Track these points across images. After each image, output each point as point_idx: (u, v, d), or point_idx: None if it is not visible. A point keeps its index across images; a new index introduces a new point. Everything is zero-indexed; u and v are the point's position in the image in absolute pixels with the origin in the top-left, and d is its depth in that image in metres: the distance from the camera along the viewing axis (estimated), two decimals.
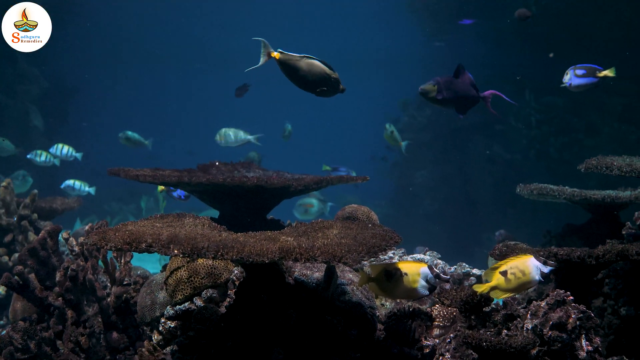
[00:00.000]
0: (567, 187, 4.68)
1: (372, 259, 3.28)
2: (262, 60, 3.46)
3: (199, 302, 3.37)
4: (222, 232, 2.91)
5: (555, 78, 5.34)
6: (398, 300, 3.65)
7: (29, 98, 15.85)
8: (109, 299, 3.98)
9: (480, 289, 2.89)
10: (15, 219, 5.77)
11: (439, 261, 4.18)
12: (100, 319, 3.98)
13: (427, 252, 4.35)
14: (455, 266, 4.27)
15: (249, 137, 7.83)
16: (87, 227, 4.42)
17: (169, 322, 3.45)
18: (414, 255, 4.22)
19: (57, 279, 3.98)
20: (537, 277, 2.86)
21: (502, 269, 2.85)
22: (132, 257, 4.14)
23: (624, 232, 3.88)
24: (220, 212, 4.42)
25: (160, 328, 3.49)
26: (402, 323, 3.11)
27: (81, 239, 4.11)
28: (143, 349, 3.37)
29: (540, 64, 11.16)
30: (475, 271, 4.13)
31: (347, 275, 3.35)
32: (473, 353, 2.76)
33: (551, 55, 9.89)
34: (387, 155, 13.85)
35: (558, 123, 11.64)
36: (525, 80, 11.93)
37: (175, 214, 3.21)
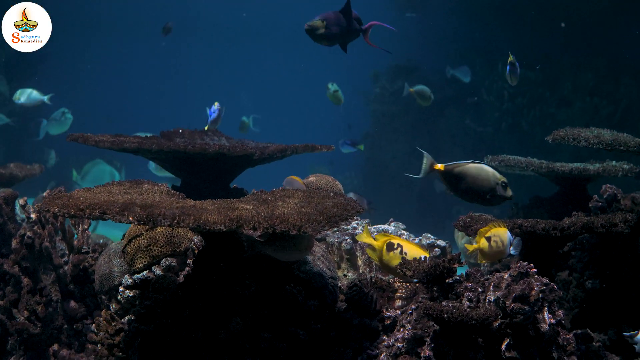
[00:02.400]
0: (535, 159, 4.69)
1: (333, 228, 3.26)
2: (423, 173, 3.43)
3: (157, 270, 3.34)
4: (180, 200, 2.87)
5: (529, 52, 5.37)
6: (361, 271, 3.64)
7: None
8: (66, 267, 3.93)
9: (470, 248, 2.97)
10: None
11: (404, 232, 4.16)
12: (57, 288, 3.93)
13: (392, 223, 4.33)
14: (420, 237, 4.26)
15: (44, 97, 7.92)
16: (45, 194, 4.36)
17: (127, 291, 3.41)
18: (378, 226, 4.20)
19: (12, 246, 3.92)
20: (511, 250, 2.92)
21: (488, 234, 2.90)
22: (90, 224, 4.09)
23: (590, 205, 3.88)
24: (182, 180, 4.38)
25: (119, 297, 3.46)
26: (363, 294, 3.10)
27: (36, 205, 4.05)
28: (100, 318, 3.33)
29: (513, 37, 11.16)
30: (440, 242, 4.11)
31: None
32: (434, 325, 2.75)
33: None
34: (351, 124, 13.85)
35: (530, 96, 11.65)
36: (497, 53, 11.95)
37: (132, 180, 3.16)
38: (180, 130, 4.70)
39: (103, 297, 3.79)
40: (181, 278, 3.26)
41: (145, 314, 2.99)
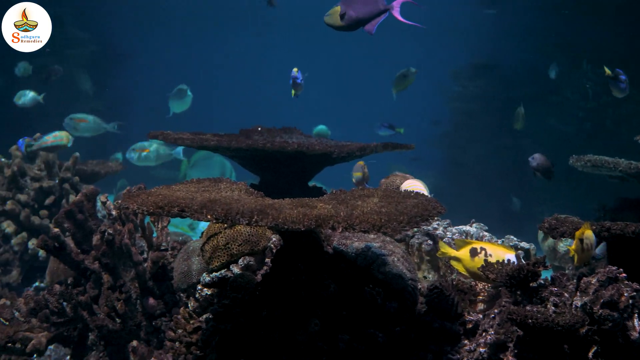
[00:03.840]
0: (622, 159, 4.53)
1: (414, 229, 3.21)
2: None
3: (235, 269, 3.34)
4: (259, 198, 2.86)
5: (614, 47, 5.19)
6: (441, 273, 3.57)
7: (78, 62, 15.98)
8: (145, 264, 3.97)
9: (572, 248, 2.89)
10: (57, 181, 5.82)
11: (485, 233, 4.08)
12: (136, 284, 3.98)
13: (474, 224, 4.25)
14: (502, 239, 4.17)
15: (38, 97, 8.63)
16: (125, 191, 4.42)
17: (205, 289, 3.43)
18: (459, 227, 4.12)
19: (93, 242, 4.00)
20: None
21: (580, 236, 2.83)
22: (169, 222, 4.12)
23: None
24: (261, 178, 4.38)
25: (197, 295, 3.48)
26: (444, 297, 3.04)
27: (117, 202, 4.11)
28: (179, 316, 3.36)
29: (599, 33, 10.86)
30: (524, 244, 4.01)
31: (389, 247, 3.28)
32: (518, 330, 2.67)
33: None
34: (437, 120, 13.71)
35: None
36: (581, 50, 11.64)
37: (211, 178, 3.17)
38: (259, 128, 4.71)
39: (181, 294, 3.83)
40: (259, 277, 3.25)
41: (223, 312, 3.00)
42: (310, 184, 4.52)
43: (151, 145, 7.69)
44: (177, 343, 3.30)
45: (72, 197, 5.76)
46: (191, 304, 3.51)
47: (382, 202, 2.72)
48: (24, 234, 5.62)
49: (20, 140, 7.38)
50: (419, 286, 3.31)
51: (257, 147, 3.77)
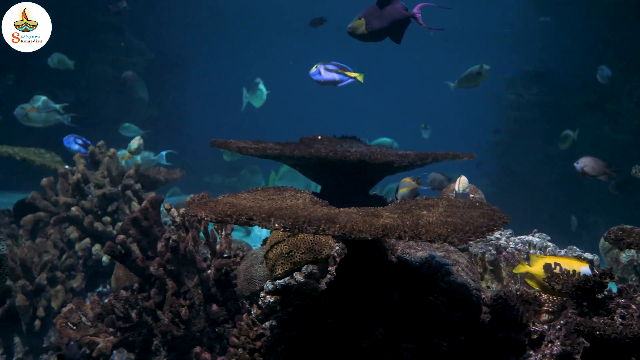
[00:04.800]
0: None
1: (479, 239, 3.22)
2: None
3: (299, 277, 3.39)
4: (324, 207, 2.90)
5: None
6: (505, 283, 3.58)
7: (135, 70, 16.26)
8: (209, 271, 4.05)
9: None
10: (120, 188, 5.96)
11: (549, 244, 4.06)
12: (200, 291, 4.06)
13: (536, 234, 4.23)
14: (565, 249, 4.14)
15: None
16: (189, 198, 4.51)
17: (268, 296, 3.48)
18: (522, 237, 4.11)
19: (158, 249, 4.08)
20: None
21: None
22: (232, 229, 4.20)
23: None
24: (322, 186, 4.43)
25: (260, 302, 3.53)
26: (509, 307, 3.04)
27: (182, 210, 4.19)
28: (242, 323, 3.42)
29: None
30: (587, 255, 3.98)
31: (453, 256, 3.30)
32: (585, 341, 2.66)
33: None
34: (498, 128, 13.62)
35: None
36: (639, 57, 11.44)
37: (276, 187, 3.22)
38: (319, 137, 4.76)
39: (244, 301, 3.90)
40: (322, 285, 3.30)
41: (288, 320, 3.05)
42: (371, 192, 4.55)
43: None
44: (240, 349, 3.36)
45: (135, 204, 5.90)
46: (254, 311, 3.57)
47: (448, 211, 2.74)
48: (88, 239, 5.76)
49: (65, 138, 7.56)
50: (483, 296, 3.32)
51: (320, 155, 3.81)
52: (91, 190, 5.94)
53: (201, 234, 4.22)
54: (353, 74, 5.13)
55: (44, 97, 7.97)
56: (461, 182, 4.16)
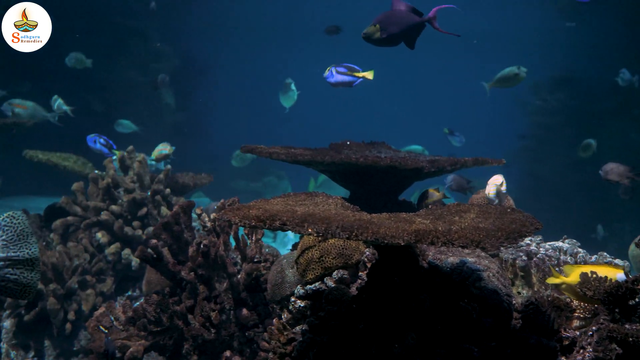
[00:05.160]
0: None
1: (512, 244, 3.22)
2: None
3: (329, 282, 3.41)
4: (356, 212, 2.93)
5: None
6: (535, 289, 3.58)
7: (162, 75, 16.39)
8: (239, 276, 4.09)
9: None
10: (149, 193, 6.02)
11: (580, 250, 4.05)
12: (230, 295, 4.10)
13: (566, 240, 4.23)
14: (595, 256, 4.13)
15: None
16: (219, 204, 4.55)
17: (299, 301, 3.51)
18: (552, 243, 4.11)
19: (189, 253, 4.13)
20: None
21: None
22: (263, 234, 4.24)
23: None
24: (351, 192, 4.45)
25: (290, 307, 3.56)
26: (540, 312, 3.05)
27: (213, 215, 4.24)
28: (272, 327, 3.45)
29: None
30: (618, 262, 3.97)
31: (484, 262, 3.31)
32: (617, 348, 2.67)
33: None
34: (524, 134, 13.59)
35: None
36: None
37: (307, 192, 3.25)
38: (348, 142, 4.78)
39: (275, 306, 3.93)
40: (353, 290, 3.32)
41: (319, 325, 3.07)
42: (400, 198, 4.57)
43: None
44: (270, 354, 3.39)
45: (164, 209, 5.96)
46: (284, 315, 3.60)
47: (480, 217, 2.76)
48: (118, 244, 5.83)
49: (89, 136, 7.64)
50: (514, 302, 3.32)
51: (350, 161, 3.84)
52: (121, 195, 6.02)
53: (231, 239, 4.26)
54: (362, 74, 5.23)
55: (33, 103, 8.08)
56: (492, 184, 4.18)
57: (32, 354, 5.49)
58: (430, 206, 3.94)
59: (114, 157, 6.43)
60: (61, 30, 11.73)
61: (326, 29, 9.39)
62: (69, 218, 6.04)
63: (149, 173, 6.27)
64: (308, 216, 2.55)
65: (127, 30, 15.62)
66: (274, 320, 3.54)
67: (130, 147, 6.44)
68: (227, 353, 3.94)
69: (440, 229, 2.46)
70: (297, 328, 3.45)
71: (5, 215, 3.27)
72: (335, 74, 5.52)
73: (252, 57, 27.44)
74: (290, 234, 10.30)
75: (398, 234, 2.39)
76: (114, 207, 5.88)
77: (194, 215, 4.77)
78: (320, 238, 3.51)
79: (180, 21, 17.25)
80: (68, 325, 5.42)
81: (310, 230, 2.47)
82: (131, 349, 3.98)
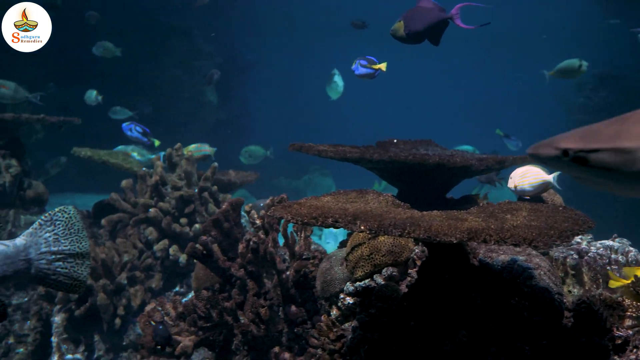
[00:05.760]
0: None
1: (564, 243, 3.22)
2: None
3: (379, 279, 3.44)
4: (407, 210, 2.95)
5: None
6: (587, 288, 3.57)
7: (204, 73, 16.54)
8: (288, 273, 4.14)
9: None
10: (196, 190, 6.10)
11: (631, 249, 4.03)
12: (279, 292, 4.15)
13: (617, 239, 4.20)
14: None
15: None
16: (267, 201, 4.60)
17: (348, 298, 3.55)
18: (603, 242, 4.08)
19: (239, 250, 4.19)
20: None
21: None
22: (311, 232, 4.28)
23: None
24: (399, 189, 4.47)
25: (339, 304, 3.60)
26: (592, 311, 3.05)
27: (262, 212, 4.29)
28: (321, 324, 3.49)
29: None
30: None
31: (534, 260, 3.31)
32: None
33: None
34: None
35: None
36: None
37: (357, 190, 3.28)
38: (395, 140, 4.80)
39: (323, 302, 3.96)
40: (402, 287, 3.35)
41: (370, 322, 3.11)
42: (447, 196, 4.58)
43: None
44: (319, 350, 3.44)
45: (211, 206, 6.04)
46: (333, 312, 3.64)
47: (532, 215, 2.77)
48: (166, 240, 5.92)
49: (125, 124, 7.75)
50: (564, 300, 3.32)
51: (399, 159, 3.86)
52: (169, 192, 6.11)
53: (280, 236, 4.31)
54: (377, 65, 5.36)
55: (14, 84, 8.17)
56: (518, 177, 4.17)
57: (82, 348, 5.61)
58: (481, 204, 3.95)
59: (162, 155, 6.52)
60: (106, 30, 11.93)
61: (352, 22, 9.44)
62: (118, 215, 6.15)
63: (197, 170, 6.36)
64: (360, 213, 2.59)
65: (170, 28, 15.79)
66: (323, 317, 3.58)
67: (178, 145, 6.53)
68: (276, 349, 3.99)
69: (492, 227, 2.47)
70: (346, 325, 3.48)
71: (56, 209, 3.36)
72: (359, 67, 5.65)
73: (293, 54, 27.54)
74: (332, 231, 10.35)
75: (450, 232, 2.41)
76: (162, 204, 5.97)
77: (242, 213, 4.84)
78: (370, 235, 3.54)
79: (222, 19, 17.36)
80: (117, 321, 5.52)
81: (362, 227, 2.50)
82: (181, 344, 4.06)
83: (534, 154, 2.29)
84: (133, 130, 8.02)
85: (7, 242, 3.22)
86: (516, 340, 2.90)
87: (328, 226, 2.60)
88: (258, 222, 4.29)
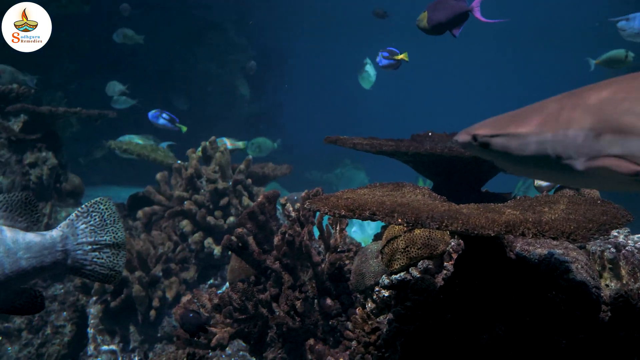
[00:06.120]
0: None
1: (603, 236, 3.21)
2: None
3: (415, 272, 3.45)
4: (444, 203, 2.96)
5: None
6: (624, 282, 3.55)
7: (237, 67, 16.61)
8: (323, 265, 4.16)
9: None
10: (231, 183, 6.15)
11: None
12: (314, 284, 4.18)
13: None
14: None
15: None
16: (303, 194, 4.63)
17: (383, 291, 3.56)
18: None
19: (275, 243, 4.22)
20: None
21: None
22: (347, 224, 4.29)
23: None
24: (435, 183, 4.48)
25: (374, 297, 3.61)
26: (630, 305, 3.04)
27: (297, 205, 4.32)
28: (356, 316, 3.50)
29: None
30: None
31: (571, 254, 3.30)
32: None
33: None
34: None
35: None
36: None
37: (394, 183, 3.29)
38: (430, 134, 4.80)
39: (358, 295, 3.99)
40: (438, 280, 3.35)
41: (405, 314, 3.12)
42: (483, 189, 4.57)
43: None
44: (354, 342, 3.46)
45: (245, 199, 6.08)
46: (368, 305, 3.66)
47: (569, 208, 2.76)
48: (200, 233, 5.98)
49: (151, 112, 7.81)
50: (602, 294, 3.31)
51: (435, 152, 3.87)
52: (203, 185, 6.16)
53: (315, 229, 4.33)
54: (399, 56, 5.48)
55: (10, 67, 8.22)
56: None
57: (117, 339, 5.69)
58: (517, 197, 3.94)
59: (198, 150, 6.58)
60: (139, 24, 12.02)
61: (373, 11, 9.44)
62: (153, 207, 6.22)
63: (231, 163, 6.41)
64: (398, 206, 2.60)
65: (204, 22, 15.87)
66: (358, 309, 3.59)
67: (212, 138, 6.59)
68: (311, 341, 4.02)
69: (530, 220, 2.47)
70: (381, 317, 3.50)
71: (92, 201, 3.43)
72: (383, 59, 5.76)
73: (326, 47, 27.53)
74: (362, 223, 10.38)
75: (488, 225, 2.41)
76: (197, 197, 6.03)
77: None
78: (406, 228, 3.55)
79: (256, 12, 17.45)
80: (152, 312, 5.59)
81: (400, 220, 2.51)
82: (217, 336, 4.10)
83: (455, 140, 2.57)
84: (160, 117, 8.09)
85: (44, 233, 3.29)
86: (553, 334, 2.90)
87: (365, 219, 2.61)
88: (293, 214, 4.32)
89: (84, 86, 13.38)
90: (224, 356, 4.95)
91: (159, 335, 5.73)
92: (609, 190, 2.64)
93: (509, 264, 3.07)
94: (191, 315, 4.01)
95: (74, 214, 3.40)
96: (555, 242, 3.38)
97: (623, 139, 2.14)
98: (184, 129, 8.18)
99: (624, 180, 2.22)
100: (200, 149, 6.52)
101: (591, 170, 2.24)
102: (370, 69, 9.75)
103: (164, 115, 8.09)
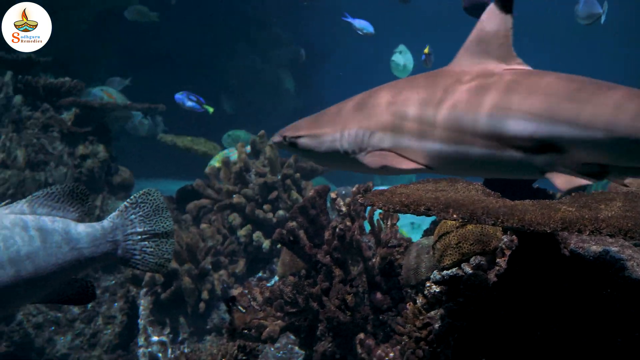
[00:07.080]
0: None
1: None
2: None
3: (467, 268, 3.46)
4: (498, 199, 2.96)
5: None
6: None
7: (282, 62, 16.66)
8: (374, 260, 4.20)
9: None
10: (279, 177, 6.21)
11: None
12: (364, 279, 4.21)
13: None
14: None
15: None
16: (353, 189, 4.66)
17: (434, 286, 3.58)
18: None
19: (325, 237, 4.26)
20: None
21: None
22: (398, 219, 4.32)
23: None
24: (486, 179, 4.47)
25: (425, 292, 3.63)
26: None
27: (348, 200, 4.35)
28: (407, 311, 3.53)
29: None
30: None
31: (627, 251, 3.29)
32: None
33: None
34: None
35: None
36: None
37: (447, 178, 3.30)
38: None
39: (409, 290, 4.01)
40: (491, 277, 3.36)
41: (458, 310, 3.15)
42: (534, 186, 4.55)
43: None
44: (405, 337, 3.48)
45: (294, 193, 6.14)
46: (419, 300, 3.68)
47: (626, 206, 2.75)
48: (249, 226, 6.05)
49: (177, 94, 7.88)
50: None
51: None
52: (252, 179, 6.23)
53: (365, 224, 4.37)
54: (426, 50, 6.38)
55: None
56: None
57: (167, 330, 5.78)
58: (572, 194, 3.93)
59: (247, 146, 6.64)
60: (185, 21, 12.11)
61: None
62: (203, 200, 6.31)
63: (279, 157, 6.47)
64: (452, 202, 2.61)
65: (249, 17, 15.95)
66: (408, 304, 3.61)
67: (262, 132, 6.66)
68: (361, 335, 4.05)
69: (587, 217, 2.47)
70: (432, 313, 3.52)
71: (141, 192, 3.52)
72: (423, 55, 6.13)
73: (369, 42, 27.46)
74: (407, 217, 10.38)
75: (544, 221, 2.42)
76: (246, 190, 6.10)
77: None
78: (458, 224, 3.57)
79: (300, 7, 17.49)
80: (202, 305, 5.68)
81: (455, 215, 2.53)
82: (268, 329, 4.16)
83: (271, 141, 3.26)
84: (186, 99, 8.17)
85: (94, 224, 3.39)
86: (608, 331, 2.90)
87: (420, 214, 2.63)
88: (344, 209, 4.35)
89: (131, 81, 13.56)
90: (272, 349, 5.02)
91: (208, 327, 5.81)
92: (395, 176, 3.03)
93: (563, 260, 3.08)
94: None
95: (123, 205, 3.50)
96: (610, 240, 3.37)
97: (391, 136, 2.89)
98: (211, 110, 8.25)
99: (394, 171, 2.92)
100: (248, 144, 6.59)
101: (370, 162, 2.93)
102: (396, 57, 9.81)
103: (191, 97, 8.17)
